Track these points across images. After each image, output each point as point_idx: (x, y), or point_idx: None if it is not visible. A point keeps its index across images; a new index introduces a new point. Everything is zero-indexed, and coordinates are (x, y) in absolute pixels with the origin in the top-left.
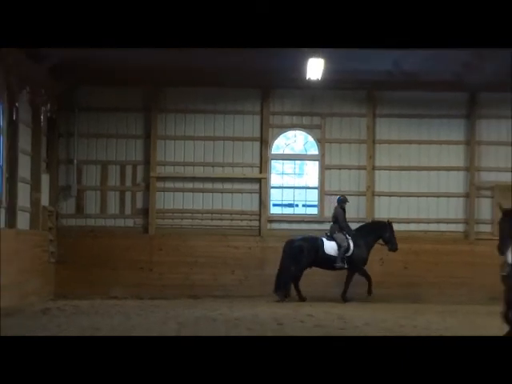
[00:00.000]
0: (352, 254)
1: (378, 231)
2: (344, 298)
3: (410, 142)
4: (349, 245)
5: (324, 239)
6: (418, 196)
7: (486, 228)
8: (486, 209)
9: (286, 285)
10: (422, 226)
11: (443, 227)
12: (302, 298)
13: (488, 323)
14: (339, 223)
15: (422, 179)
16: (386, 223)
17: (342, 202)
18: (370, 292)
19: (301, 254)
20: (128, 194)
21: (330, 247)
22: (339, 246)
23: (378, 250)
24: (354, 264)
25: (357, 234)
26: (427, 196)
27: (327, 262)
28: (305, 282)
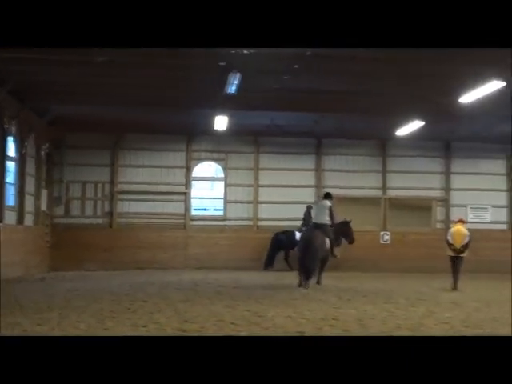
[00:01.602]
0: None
1: (341, 230)
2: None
3: (281, 170)
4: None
5: (296, 232)
6: (286, 203)
7: None
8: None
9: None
10: (288, 223)
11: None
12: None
13: None
14: (305, 222)
15: (286, 193)
16: (346, 223)
17: (309, 208)
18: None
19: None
20: (99, 202)
21: (298, 236)
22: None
23: None
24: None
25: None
26: (292, 203)
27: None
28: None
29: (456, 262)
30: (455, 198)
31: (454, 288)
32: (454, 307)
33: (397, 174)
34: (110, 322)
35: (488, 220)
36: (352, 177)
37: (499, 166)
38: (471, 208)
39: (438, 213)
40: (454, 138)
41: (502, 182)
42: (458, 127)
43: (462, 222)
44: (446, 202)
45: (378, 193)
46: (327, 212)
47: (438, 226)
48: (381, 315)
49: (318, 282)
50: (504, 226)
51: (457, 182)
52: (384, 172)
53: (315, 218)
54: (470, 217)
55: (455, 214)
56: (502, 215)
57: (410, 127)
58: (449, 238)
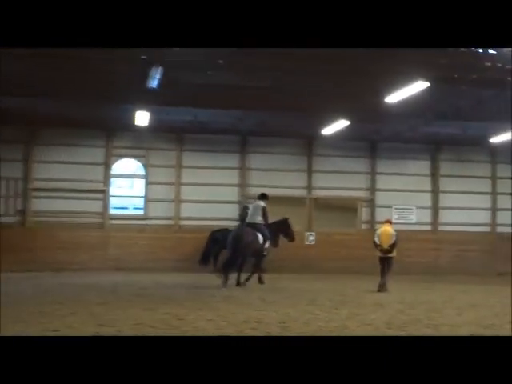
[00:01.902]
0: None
1: (280, 228)
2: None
3: (204, 168)
4: (268, 237)
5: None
6: (209, 203)
7: None
8: None
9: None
10: (210, 222)
11: (224, 223)
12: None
13: None
14: (241, 221)
15: (209, 192)
16: (285, 221)
17: (245, 208)
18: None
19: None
20: (11, 200)
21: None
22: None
23: None
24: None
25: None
26: (215, 203)
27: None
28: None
29: (385, 262)
30: (380, 198)
31: (382, 289)
32: (377, 309)
33: (322, 174)
34: (18, 327)
35: (413, 221)
36: (277, 176)
37: (424, 166)
38: (396, 209)
39: (364, 213)
40: (379, 138)
41: (426, 183)
42: (384, 127)
43: (389, 222)
44: (371, 203)
45: (303, 192)
46: (260, 212)
47: (364, 226)
48: (304, 318)
49: (261, 281)
50: (428, 227)
51: (382, 182)
52: (309, 171)
53: (249, 218)
54: (395, 217)
55: (380, 214)
56: (427, 216)
57: (335, 126)
58: (376, 239)
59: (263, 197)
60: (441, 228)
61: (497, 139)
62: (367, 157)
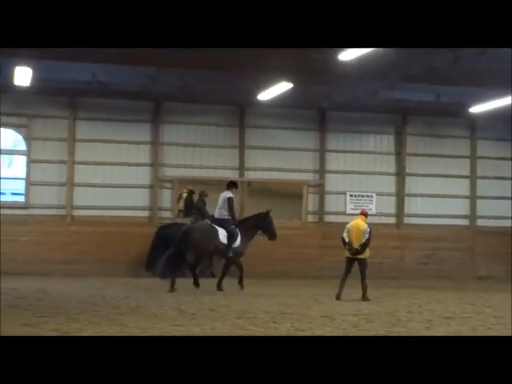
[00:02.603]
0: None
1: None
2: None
3: (106, 142)
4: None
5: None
6: (112, 187)
7: (167, 214)
8: (166, 198)
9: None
10: (113, 212)
11: (129, 213)
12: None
13: None
14: (201, 214)
15: (112, 173)
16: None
17: (203, 195)
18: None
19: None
20: None
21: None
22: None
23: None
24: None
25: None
26: (119, 187)
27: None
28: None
29: (352, 265)
30: (331, 182)
31: (364, 298)
32: (326, 322)
33: (258, 151)
34: None
35: (372, 211)
36: (200, 153)
37: (386, 142)
38: (351, 196)
39: (311, 201)
40: (330, 105)
41: (389, 164)
42: (336, 92)
43: (363, 215)
44: (320, 188)
45: (233, 174)
46: (225, 205)
47: (310, 218)
48: (233, 334)
49: (219, 288)
50: (392, 219)
51: (334, 162)
52: (242, 148)
53: (216, 211)
54: (350, 207)
55: (332, 203)
56: (390, 205)
57: (275, 90)
58: (344, 234)
59: (230, 185)
60: (407, 221)
61: (478, 109)
62: (315, 129)
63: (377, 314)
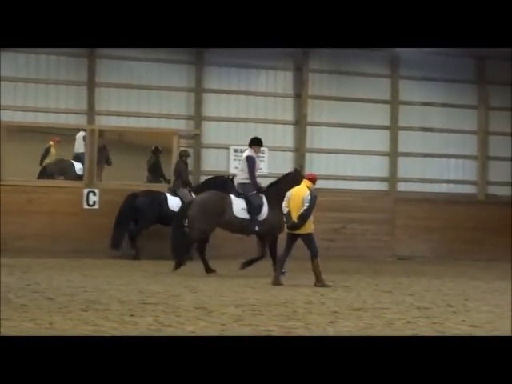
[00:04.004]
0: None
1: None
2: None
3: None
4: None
5: (168, 195)
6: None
7: None
8: None
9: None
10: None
11: None
12: (136, 256)
13: None
14: (182, 178)
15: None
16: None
17: (184, 155)
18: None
19: (143, 210)
20: None
21: (175, 204)
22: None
23: None
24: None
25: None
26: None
27: (170, 219)
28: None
29: (293, 242)
30: (210, 132)
31: (277, 283)
32: (200, 315)
33: (112, 90)
34: None
35: (264, 171)
36: (29, 91)
37: (283, 81)
38: (236, 151)
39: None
40: None
41: (286, 109)
42: None
43: (310, 179)
44: (196, 140)
45: (79, 120)
46: (245, 167)
47: None
48: (75, 330)
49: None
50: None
51: (213, 106)
52: (91, 84)
53: (238, 173)
54: (235, 165)
55: (210, 159)
56: (287, 164)
57: None
58: (284, 203)
59: (253, 142)
60: None
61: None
62: (189, 62)
63: (266, 304)
